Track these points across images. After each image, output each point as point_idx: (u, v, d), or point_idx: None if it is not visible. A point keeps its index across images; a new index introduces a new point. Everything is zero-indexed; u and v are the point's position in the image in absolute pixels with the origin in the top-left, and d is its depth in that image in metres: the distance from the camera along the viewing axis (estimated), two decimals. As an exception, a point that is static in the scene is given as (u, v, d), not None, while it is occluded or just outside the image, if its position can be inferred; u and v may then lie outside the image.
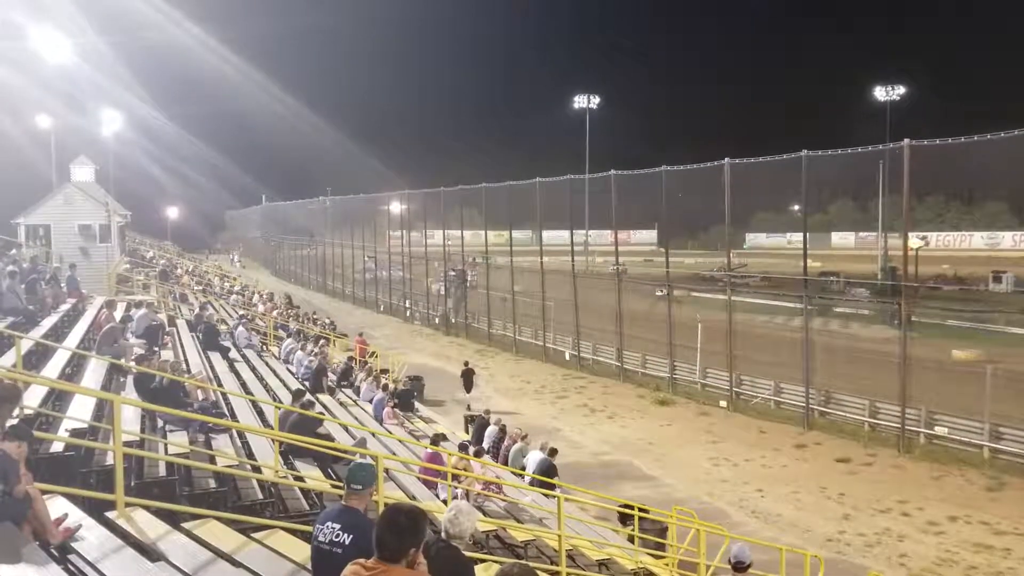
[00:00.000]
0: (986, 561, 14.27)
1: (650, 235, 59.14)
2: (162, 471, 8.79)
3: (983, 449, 19.69)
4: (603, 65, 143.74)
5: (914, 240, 32.21)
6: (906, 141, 21.16)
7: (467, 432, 20.47)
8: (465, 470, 12.90)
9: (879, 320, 31.38)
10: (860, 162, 26.55)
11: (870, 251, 50.47)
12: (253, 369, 20.01)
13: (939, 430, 20.73)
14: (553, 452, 16.24)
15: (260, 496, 9.59)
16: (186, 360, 17.54)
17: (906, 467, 19.68)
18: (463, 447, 15.04)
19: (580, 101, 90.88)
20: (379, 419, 18.40)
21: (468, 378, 27.33)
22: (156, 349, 16.04)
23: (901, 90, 71.35)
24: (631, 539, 12.83)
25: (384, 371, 25.49)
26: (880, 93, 71.23)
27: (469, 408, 25.57)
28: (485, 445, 17.50)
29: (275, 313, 33.21)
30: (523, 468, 15.78)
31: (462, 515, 4.74)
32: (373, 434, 14.95)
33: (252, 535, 7.33)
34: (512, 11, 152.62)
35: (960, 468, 19.15)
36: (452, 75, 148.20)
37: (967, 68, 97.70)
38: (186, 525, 7.15)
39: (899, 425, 21.24)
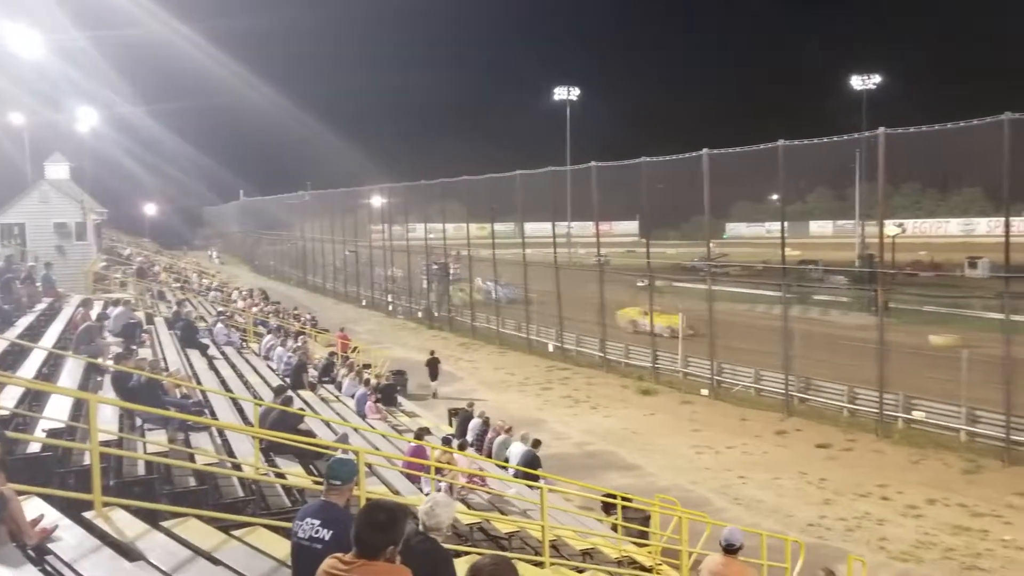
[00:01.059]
0: (964, 543, 14.46)
1: (632, 226, 59.33)
2: (141, 470, 8.74)
3: (960, 433, 19.95)
4: (584, 57, 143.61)
5: (891, 227, 32.51)
6: (881, 130, 21.35)
7: (451, 425, 20.48)
8: (449, 464, 12.90)
9: (857, 307, 31.68)
10: (837, 151, 26.74)
11: (848, 239, 50.89)
12: (233, 366, 19.87)
13: (917, 414, 20.98)
14: (537, 443, 16.28)
15: (241, 494, 9.56)
16: (164, 358, 17.41)
17: (885, 451, 19.90)
18: (446, 441, 15.04)
19: (561, 93, 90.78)
20: (362, 414, 18.36)
21: (433, 367, 27.65)
22: (134, 347, 15.92)
23: (877, 79, 71.81)
24: (615, 528, 12.90)
25: (367, 366, 25.44)
26: (856, 82, 71.63)
27: (435, 395, 26.37)
28: (469, 438, 17.49)
29: (255, 309, 33.02)
30: (507, 460, 15.80)
31: (438, 507, 4.75)
32: (355, 429, 14.92)
33: (232, 533, 7.30)
34: (493, 2, 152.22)
35: (938, 452, 19.40)
36: (433, 67, 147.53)
37: (943, 56, 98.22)
38: (165, 524, 7.11)
39: (878, 410, 21.47)
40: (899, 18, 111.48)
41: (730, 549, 8.47)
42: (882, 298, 24.36)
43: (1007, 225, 20.16)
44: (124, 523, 6.66)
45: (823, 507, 16.34)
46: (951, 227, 63.35)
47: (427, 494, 11.45)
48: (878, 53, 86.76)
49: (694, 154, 26.72)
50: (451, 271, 43.54)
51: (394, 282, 49.24)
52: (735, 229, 71.24)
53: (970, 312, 28.66)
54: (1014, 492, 16.74)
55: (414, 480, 12.31)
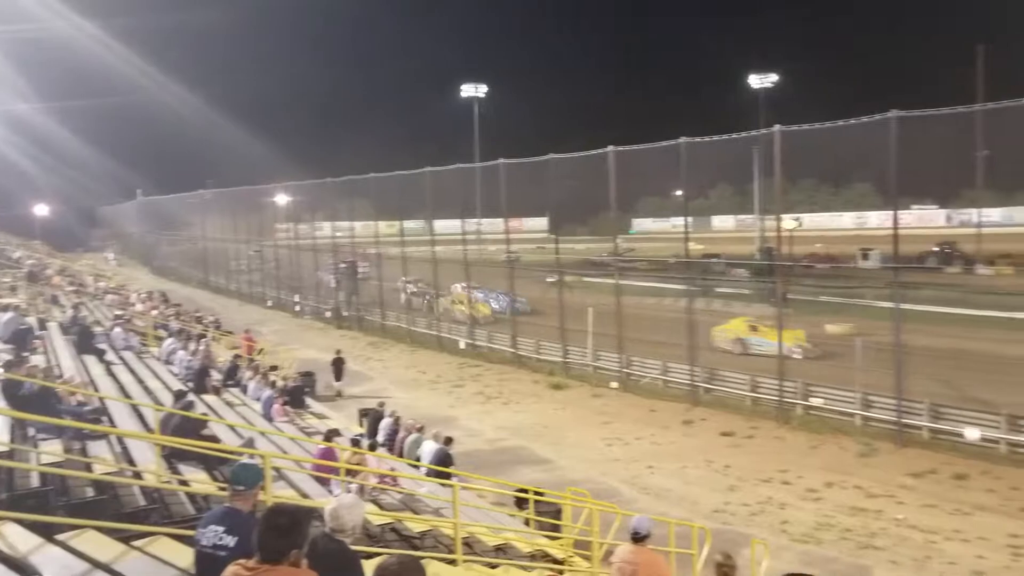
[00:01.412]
0: (860, 523, 15.13)
1: (542, 222, 59.68)
2: (35, 482, 8.36)
3: (855, 417, 20.85)
4: (493, 54, 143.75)
5: (788, 221, 33.65)
6: (776, 127, 22.15)
7: (362, 426, 20.25)
8: (359, 465, 12.76)
9: (759, 299, 32.72)
10: (736, 148, 27.48)
11: (749, 233, 52.48)
12: (132, 371, 19.19)
13: (815, 401, 21.84)
14: (449, 441, 16.26)
15: (143, 502, 9.23)
16: (59, 364, 16.69)
17: (786, 438, 20.65)
18: (355, 441, 14.87)
19: (468, 90, 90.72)
20: (268, 417, 17.97)
21: (338, 366, 27.37)
22: (25, 354, 15.20)
23: (774, 78, 74.23)
24: (527, 522, 13.00)
25: (273, 368, 24.90)
26: (754, 81, 73.89)
27: (340, 394, 26.20)
28: (380, 438, 17.36)
29: (155, 312, 31.91)
30: (419, 459, 15.74)
31: (343, 509, 4.71)
32: (262, 433, 14.61)
33: (133, 544, 7.06)
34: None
35: (835, 436, 20.23)
36: (340, 62, 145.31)
37: (837, 56, 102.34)
38: (61, 537, 6.81)
39: (778, 398, 22.27)
40: (794, 20, 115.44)
41: (638, 538, 8.64)
42: (781, 289, 25.30)
43: (895, 218, 21.20)
44: (17, 538, 6.37)
45: (728, 493, 16.86)
46: (845, 220, 65.98)
47: (337, 496, 11.32)
48: (775, 53, 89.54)
49: (600, 151, 27.16)
50: (359, 270, 43.04)
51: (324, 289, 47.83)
52: (642, 224, 72.54)
53: (863, 301, 29.94)
54: (906, 473, 17.60)
55: (324, 483, 12.13)
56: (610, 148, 26.67)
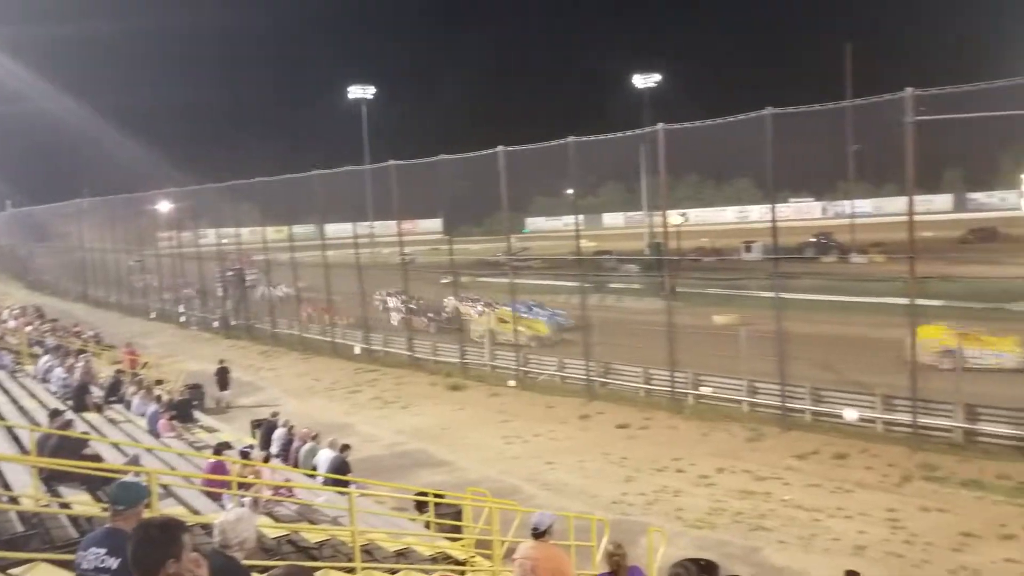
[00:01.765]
0: (750, 506, 15.72)
1: (436, 223, 59.46)
2: None
3: (743, 404, 21.63)
4: (381, 55, 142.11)
5: (675, 217, 34.64)
6: (660, 126, 22.77)
7: (255, 437, 19.72)
8: (251, 477, 12.41)
9: (649, 293, 33.52)
10: (623, 146, 28.07)
11: (638, 229, 53.72)
12: (5, 391, 18.15)
13: (705, 390, 22.54)
14: (345, 448, 15.97)
15: (20, 528, 8.76)
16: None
17: (679, 427, 21.23)
18: (244, 454, 14.47)
19: (356, 92, 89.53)
20: (155, 433, 17.28)
21: (223, 376, 26.63)
22: None
23: (657, 77, 76.26)
24: (428, 525, 12.94)
25: (159, 382, 23.97)
26: (638, 81, 75.69)
27: (228, 405, 25.54)
28: (274, 449, 16.95)
29: (29, 328, 30.22)
30: (315, 468, 15.44)
31: (231, 523, 4.59)
32: (149, 449, 14.03)
33: (11, 572, 6.69)
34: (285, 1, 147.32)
35: (725, 423, 20.91)
36: (222, 65, 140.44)
37: (720, 55, 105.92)
38: (-74, 571, 6.39)
39: (670, 388, 22.90)
40: (677, 20, 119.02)
41: (539, 533, 8.72)
42: (670, 283, 26.01)
43: (773, 212, 22.17)
44: None
45: (625, 484, 17.22)
46: (728, 215, 68.35)
47: (228, 511, 10.99)
48: (659, 53, 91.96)
49: (490, 151, 27.29)
50: (247, 277, 41.86)
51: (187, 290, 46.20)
52: (535, 223, 73.29)
53: (747, 292, 31.07)
54: (791, 455, 18.38)
55: (215, 498, 11.75)
56: (500, 148, 26.84)
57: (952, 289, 25.37)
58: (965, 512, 14.72)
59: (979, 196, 64.31)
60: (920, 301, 19.22)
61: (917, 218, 19.18)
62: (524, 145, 27.23)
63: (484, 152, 27.70)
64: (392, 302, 36.75)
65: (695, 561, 11.03)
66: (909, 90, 18.00)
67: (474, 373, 28.60)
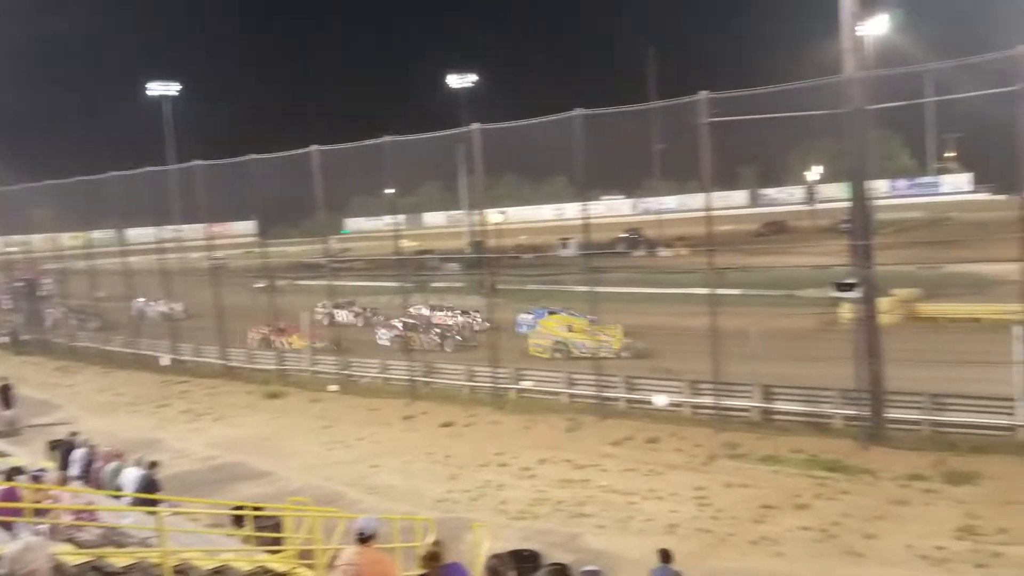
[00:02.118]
0: (570, 494, 16.18)
1: (250, 226, 57.17)
2: None
3: (561, 396, 22.27)
4: (186, 52, 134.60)
5: (494, 215, 35.26)
6: (474, 126, 23.06)
7: (53, 459, 18.18)
8: (49, 501, 11.44)
9: (471, 291, 33.92)
10: (441, 146, 28.21)
11: (459, 228, 54.16)
12: None
13: (525, 384, 23.03)
14: (153, 465, 15.05)
15: None
16: None
17: (502, 422, 21.53)
18: (35, 477, 13.32)
19: (156, 88, 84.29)
20: (-69, 463, 15.55)
21: (5, 394, 24.46)
22: None
23: (474, 78, 76.99)
24: (247, 540, 12.42)
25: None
26: (455, 81, 76.10)
27: (18, 427, 23.64)
28: (75, 471, 15.69)
29: None
30: (120, 488, 14.44)
31: (17, 554, 4.22)
32: (-79, 482, 12.59)
33: None
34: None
35: (545, 415, 21.38)
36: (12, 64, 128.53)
37: (537, 56, 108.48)
38: None
39: (492, 384, 23.22)
40: (491, 22, 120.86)
41: (364, 538, 8.58)
42: (491, 280, 26.41)
43: (585, 210, 23.06)
44: None
45: (450, 482, 17.28)
46: (545, 213, 70.16)
47: (20, 540, 10.06)
48: (474, 55, 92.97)
49: (304, 151, 26.65)
50: (40, 287, 38.59)
51: None
52: (356, 224, 72.22)
53: (565, 287, 32.06)
54: (607, 442, 19.09)
55: (7, 526, 10.72)
56: (314, 147, 26.23)
57: (749, 278, 27.36)
58: (764, 486, 15.86)
59: (771, 192, 69.64)
60: (721, 291, 20.56)
61: (716, 213, 20.49)
62: (339, 144, 26.75)
63: (297, 151, 26.99)
64: (343, 315, 32.45)
65: (517, 552, 11.25)
66: (703, 93, 19.18)
67: (293, 380, 27.76)
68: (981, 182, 57.47)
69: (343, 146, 26.68)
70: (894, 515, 14.10)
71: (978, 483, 14.94)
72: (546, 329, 26.50)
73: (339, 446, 20.54)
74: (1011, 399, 16.54)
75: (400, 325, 28.48)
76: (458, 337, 28.49)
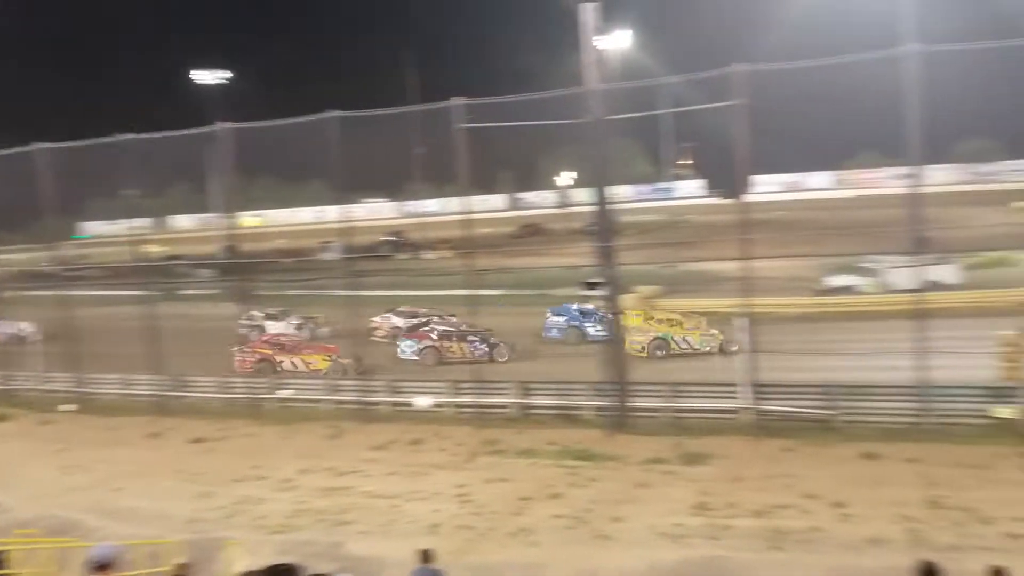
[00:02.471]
0: (332, 503, 15.88)
1: (-40, 233, 50.76)
2: None
3: (322, 403, 21.83)
4: None
5: (250, 218, 33.89)
6: (222, 124, 22.09)
7: None
8: None
9: (227, 298, 32.26)
10: (190, 145, 26.71)
11: (211, 232, 51.49)
12: None
13: (284, 393, 22.38)
14: None
15: None
16: None
17: (259, 434, 20.72)
18: None
19: None
20: None
21: None
22: None
23: (228, 74, 73.28)
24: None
25: None
26: (206, 78, 72.15)
27: None
28: None
29: None
30: None
31: None
32: None
33: None
34: None
35: (306, 424, 20.92)
36: None
37: (291, 56, 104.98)
38: None
39: (249, 395, 22.31)
40: (243, 19, 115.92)
41: (100, 568, 7.93)
42: (246, 286, 25.31)
43: (343, 212, 22.93)
44: None
45: (201, 500, 16.35)
46: (305, 215, 68.17)
47: None
48: (228, 53, 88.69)
49: (26, 149, 24.23)
50: None
51: None
52: (93, 228, 66.41)
53: (328, 292, 31.39)
54: (371, 447, 19.01)
55: None
56: (39, 145, 23.89)
57: (507, 279, 28.33)
58: (522, 479, 16.49)
59: (527, 196, 72.47)
60: (482, 291, 21.14)
61: (475, 216, 21.05)
62: (71, 142, 24.51)
63: (17, 150, 24.45)
64: (278, 327, 28.77)
65: (273, 567, 10.86)
66: (456, 99, 19.66)
67: (21, 400, 25.08)
68: (713, 187, 63.11)
69: (77, 144, 24.48)
70: (638, 497, 15.17)
71: (710, 463, 16.50)
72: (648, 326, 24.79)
73: (76, 470, 18.79)
74: (735, 384, 18.44)
75: (434, 335, 25.67)
76: (504, 344, 25.35)
